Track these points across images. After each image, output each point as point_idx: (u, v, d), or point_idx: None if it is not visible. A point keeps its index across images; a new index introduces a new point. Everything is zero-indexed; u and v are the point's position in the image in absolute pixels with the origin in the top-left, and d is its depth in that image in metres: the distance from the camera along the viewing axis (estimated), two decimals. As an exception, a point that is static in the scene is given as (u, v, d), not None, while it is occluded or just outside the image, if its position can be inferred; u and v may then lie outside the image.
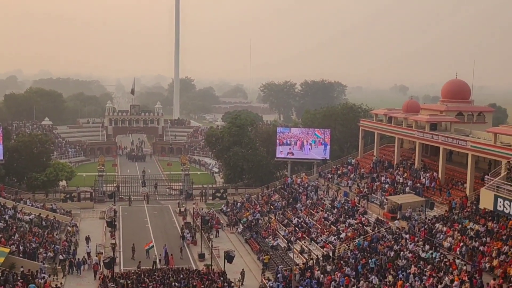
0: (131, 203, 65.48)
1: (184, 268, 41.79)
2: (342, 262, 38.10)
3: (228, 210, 61.83)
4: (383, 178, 52.99)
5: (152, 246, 46.98)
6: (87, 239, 48.51)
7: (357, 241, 40.70)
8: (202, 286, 36.17)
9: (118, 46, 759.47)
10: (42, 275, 38.04)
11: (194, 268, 43.13)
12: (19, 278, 35.25)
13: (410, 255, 35.42)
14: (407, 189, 48.19)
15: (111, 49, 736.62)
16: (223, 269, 39.86)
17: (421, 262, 33.80)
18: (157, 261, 44.15)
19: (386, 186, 50.79)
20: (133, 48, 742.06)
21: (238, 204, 62.00)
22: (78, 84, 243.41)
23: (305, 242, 46.05)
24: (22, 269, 37.28)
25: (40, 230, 49.28)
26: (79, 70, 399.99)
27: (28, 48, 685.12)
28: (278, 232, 50.52)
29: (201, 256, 47.09)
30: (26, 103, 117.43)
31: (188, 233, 52.24)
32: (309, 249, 44.24)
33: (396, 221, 42.66)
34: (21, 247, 42.58)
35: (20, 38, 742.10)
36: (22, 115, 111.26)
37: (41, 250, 43.77)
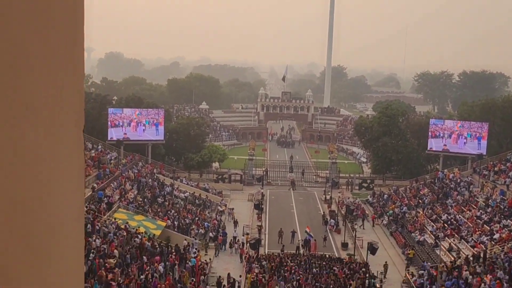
0: (295, 187, 67.71)
1: (326, 255, 42.13)
2: (494, 264, 35.91)
3: (374, 201, 60.96)
4: (546, 178, 48.80)
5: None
6: (235, 223, 49.90)
7: (512, 243, 38.08)
8: (344, 275, 36.23)
9: (273, 34, 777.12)
10: (193, 249, 40.60)
11: (337, 256, 43.28)
12: (173, 251, 37.98)
13: None
14: None
15: (266, 37, 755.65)
16: (365, 260, 39.55)
17: None
18: (300, 246, 44.92)
19: (550, 187, 46.72)
20: (288, 36, 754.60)
21: (385, 195, 60.83)
22: (234, 70, 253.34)
23: (454, 240, 44.00)
24: (185, 241, 40.44)
25: (193, 207, 52.56)
26: (235, 57, 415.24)
27: (191, 37, 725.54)
28: (426, 227, 48.78)
29: (344, 245, 47.06)
30: (186, 87, 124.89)
31: (333, 220, 52.45)
32: (458, 248, 42.23)
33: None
34: (175, 222, 45.76)
35: (184, 27, 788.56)
36: (182, 98, 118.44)
37: (193, 226, 46.68)
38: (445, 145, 64.47)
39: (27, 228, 1.68)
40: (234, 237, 45.98)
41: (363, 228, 52.15)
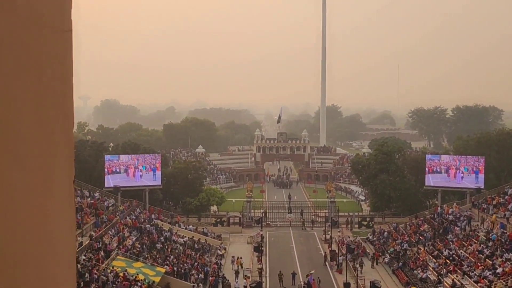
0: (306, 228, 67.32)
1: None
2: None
3: (374, 239, 60.47)
4: (546, 210, 48.62)
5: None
6: (237, 273, 48.16)
7: (516, 277, 37.64)
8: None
9: (267, 76, 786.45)
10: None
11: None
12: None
13: None
14: None
15: (261, 79, 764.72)
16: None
17: None
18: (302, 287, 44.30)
19: (550, 218, 46.50)
20: (282, 77, 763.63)
21: (385, 233, 60.40)
22: (229, 113, 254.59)
23: (457, 276, 43.47)
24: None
25: (192, 252, 51.99)
26: (230, 100, 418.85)
27: (185, 81, 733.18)
28: (428, 264, 48.31)
29: (346, 286, 46.39)
30: (182, 132, 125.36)
31: (334, 260, 51.95)
32: (462, 284, 41.68)
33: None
34: (175, 268, 45.17)
35: (178, 72, 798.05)
36: (178, 143, 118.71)
37: (193, 271, 46.08)
38: (442, 179, 64.30)
39: (19, 281, 1.67)
40: None
41: (373, 268, 51.70)
